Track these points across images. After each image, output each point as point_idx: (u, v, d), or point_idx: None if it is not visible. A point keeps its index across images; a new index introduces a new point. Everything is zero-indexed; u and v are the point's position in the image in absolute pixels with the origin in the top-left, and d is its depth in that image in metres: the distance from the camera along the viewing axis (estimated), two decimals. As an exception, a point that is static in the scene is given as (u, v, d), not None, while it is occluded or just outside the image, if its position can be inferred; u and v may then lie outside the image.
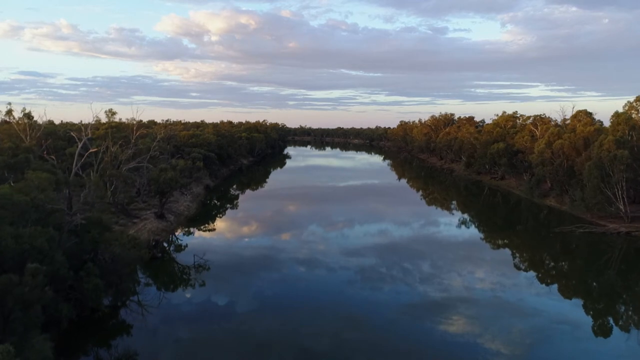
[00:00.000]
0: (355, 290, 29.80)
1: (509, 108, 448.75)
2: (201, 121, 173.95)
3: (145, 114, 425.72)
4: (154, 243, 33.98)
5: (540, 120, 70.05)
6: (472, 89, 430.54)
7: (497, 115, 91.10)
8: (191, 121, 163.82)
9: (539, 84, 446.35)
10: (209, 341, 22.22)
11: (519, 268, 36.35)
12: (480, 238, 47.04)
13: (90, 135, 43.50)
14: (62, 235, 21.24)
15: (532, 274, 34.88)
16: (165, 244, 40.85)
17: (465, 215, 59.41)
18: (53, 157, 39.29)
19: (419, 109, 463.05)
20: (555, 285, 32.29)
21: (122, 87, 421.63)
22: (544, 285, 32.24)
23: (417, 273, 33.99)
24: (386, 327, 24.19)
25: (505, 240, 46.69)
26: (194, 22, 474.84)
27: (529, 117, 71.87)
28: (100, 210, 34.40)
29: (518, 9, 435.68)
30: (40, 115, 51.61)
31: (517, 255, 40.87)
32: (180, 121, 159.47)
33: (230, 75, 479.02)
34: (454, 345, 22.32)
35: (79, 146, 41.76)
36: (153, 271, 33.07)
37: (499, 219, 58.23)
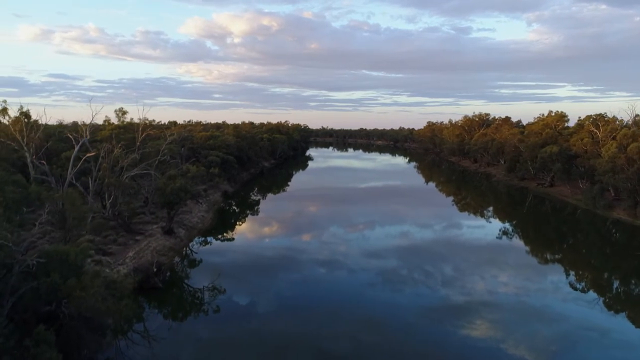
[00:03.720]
0: (375, 292, 29.15)
1: (535, 109, 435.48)
2: (223, 122, 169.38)
3: (169, 115, 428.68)
4: (155, 269, 27.68)
5: (602, 120, 61.37)
6: (496, 90, 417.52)
7: (542, 115, 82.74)
8: (213, 122, 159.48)
9: (565, 84, 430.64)
10: (228, 341, 22.15)
11: (575, 288, 31.59)
12: (526, 251, 41.19)
13: (88, 137, 37.55)
14: (11, 279, 14.97)
15: (592, 295, 30.20)
16: (178, 259, 35.33)
17: (507, 224, 52.93)
18: (44, 162, 33.50)
19: (442, 109, 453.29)
20: (624, 313, 27.52)
21: (147, 88, 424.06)
22: (612, 311, 27.82)
23: (440, 277, 32.53)
24: (406, 330, 23.70)
25: (556, 255, 40.93)
26: (217, 24, 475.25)
27: (589, 117, 63.19)
28: (95, 226, 28.37)
29: (545, 8, 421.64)
30: (40, 115, 45.97)
31: (573, 272, 35.16)
32: (201, 122, 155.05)
33: (252, 76, 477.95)
34: (476, 350, 21.59)
35: (76, 149, 35.96)
36: (155, 301, 27.22)
37: (550, 231, 51.10)
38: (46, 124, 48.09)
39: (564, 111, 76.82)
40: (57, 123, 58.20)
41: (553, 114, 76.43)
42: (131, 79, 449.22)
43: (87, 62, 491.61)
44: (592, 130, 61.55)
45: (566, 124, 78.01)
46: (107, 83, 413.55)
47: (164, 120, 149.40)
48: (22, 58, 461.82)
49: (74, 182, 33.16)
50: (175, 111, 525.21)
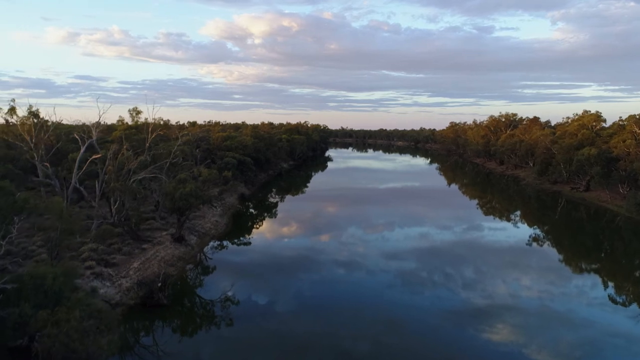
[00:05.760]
0: (395, 293, 28.89)
1: (559, 109, 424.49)
2: (242, 122, 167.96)
3: (190, 116, 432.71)
4: (160, 283, 25.17)
5: (647, 120, 56.80)
6: (519, 90, 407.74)
7: (576, 114, 77.98)
8: (232, 122, 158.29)
9: (591, 83, 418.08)
10: (248, 341, 22.07)
11: (615, 302, 29.08)
12: (559, 259, 38.26)
13: (95, 137, 35.39)
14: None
15: (621, 302, 28.62)
16: (190, 266, 33.11)
17: (536, 230, 49.46)
18: (47, 164, 31.43)
19: (463, 110, 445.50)
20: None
21: (169, 89, 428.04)
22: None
23: (461, 279, 31.62)
24: (426, 333, 23.56)
25: (592, 264, 37.89)
26: (238, 26, 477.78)
27: (632, 116, 58.55)
28: (100, 233, 26.03)
29: (570, 6, 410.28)
30: (49, 114, 44.21)
31: (612, 284, 32.16)
32: (219, 122, 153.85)
33: (272, 77, 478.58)
34: (498, 354, 21.32)
35: (82, 150, 33.85)
36: (160, 320, 24.68)
37: (585, 238, 47.43)
38: (58, 124, 46.42)
39: (589, 111, 72.16)
40: (80, 124, 56.07)
41: (587, 114, 71.58)
42: (154, 80, 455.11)
43: (111, 64, 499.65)
44: (635, 131, 57.01)
45: (603, 124, 73.33)
46: (130, 84, 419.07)
47: (185, 120, 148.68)
48: (50, 60, 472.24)
49: (79, 185, 31.01)
50: (196, 112, 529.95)
